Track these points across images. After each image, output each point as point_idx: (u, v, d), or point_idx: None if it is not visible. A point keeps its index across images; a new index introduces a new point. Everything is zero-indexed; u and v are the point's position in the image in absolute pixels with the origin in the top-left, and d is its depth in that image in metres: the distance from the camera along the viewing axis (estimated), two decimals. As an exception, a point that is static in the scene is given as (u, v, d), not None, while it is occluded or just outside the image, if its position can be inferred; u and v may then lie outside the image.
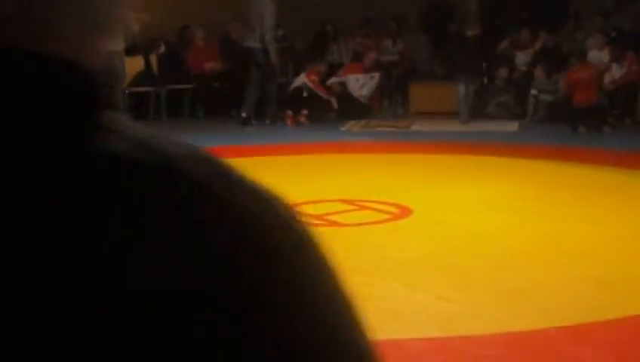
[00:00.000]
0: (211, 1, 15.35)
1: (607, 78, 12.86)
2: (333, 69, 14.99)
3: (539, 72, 13.51)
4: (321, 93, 14.09)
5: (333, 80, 14.30)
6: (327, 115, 13.97)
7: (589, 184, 9.13)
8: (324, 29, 15.72)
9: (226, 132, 13.07)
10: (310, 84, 14.05)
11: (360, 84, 14.34)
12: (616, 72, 12.76)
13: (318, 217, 7.77)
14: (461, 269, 6.32)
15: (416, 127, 13.48)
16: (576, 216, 7.76)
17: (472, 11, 14.77)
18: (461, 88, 13.70)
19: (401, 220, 7.77)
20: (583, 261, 6.48)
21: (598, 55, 13.28)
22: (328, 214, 7.88)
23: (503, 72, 14.43)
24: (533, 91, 13.47)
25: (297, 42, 15.87)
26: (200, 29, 14.56)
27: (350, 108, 14.13)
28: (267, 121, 13.80)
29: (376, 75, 14.52)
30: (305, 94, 13.95)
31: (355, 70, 14.59)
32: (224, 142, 11.94)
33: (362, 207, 8.19)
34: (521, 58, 14.50)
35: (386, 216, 7.87)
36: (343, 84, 14.34)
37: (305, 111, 13.93)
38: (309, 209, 8.04)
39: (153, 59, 14.13)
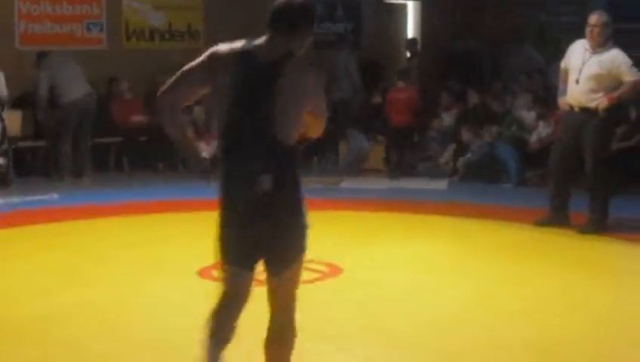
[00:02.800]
0: (139, 53, 15.21)
1: (533, 137, 12.96)
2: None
3: (466, 134, 13.55)
4: None
5: None
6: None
7: (518, 243, 9.14)
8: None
9: (151, 186, 12.92)
10: None
11: None
12: (542, 131, 12.84)
13: (245, 276, 7.62)
14: (390, 330, 6.29)
15: (345, 183, 13.37)
16: (504, 276, 7.76)
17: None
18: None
19: (330, 279, 7.64)
20: (511, 322, 6.48)
21: (528, 115, 13.41)
22: (256, 273, 7.64)
23: (432, 130, 14.53)
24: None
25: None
26: (125, 82, 14.38)
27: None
28: None
29: None
30: None
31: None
32: (150, 197, 11.85)
33: (291, 266, 8.01)
34: (446, 119, 14.61)
35: (315, 275, 7.70)
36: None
37: None
38: (237, 267, 7.93)
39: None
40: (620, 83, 9.27)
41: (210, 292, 7.16)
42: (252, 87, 4.19)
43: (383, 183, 13.47)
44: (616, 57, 9.29)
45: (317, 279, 7.61)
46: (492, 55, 16.81)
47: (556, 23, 16.89)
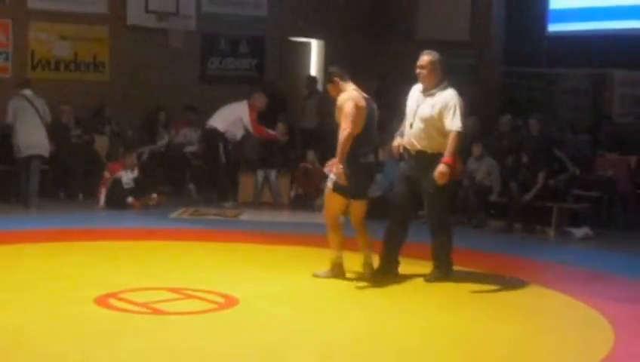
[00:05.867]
0: (44, 83, 15.18)
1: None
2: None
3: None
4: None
5: None
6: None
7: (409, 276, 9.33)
8: (155, 115, 15.67)
9: (52, 215, 12.88)
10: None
11: None
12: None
13: (142, 305, 7.64)
14: (286, 361, 6.38)
15: (245, 216, 13.52)
16: (395, 309, 7.96)
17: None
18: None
19: (226, 310, 7.71)
20: (402, 354, 6.65)
21: None
22: (153, 302, 7.74)
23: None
24: None
25: (128, 127, 15.78)
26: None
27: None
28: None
29: None
30: None
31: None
32: (50, 225, 11.85)
33: (188, 296, 8.08)
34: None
35: (211, 306, 7.80)
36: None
37: (154, 195, 13.94)
38: (133, 296, 7.93)
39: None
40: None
41: (106, 320, 7.29)
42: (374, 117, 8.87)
43: (281, 217, 13.66)
44: (449, 100, 8.73)
45: (212, 310, 7.70)
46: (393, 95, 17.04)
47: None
